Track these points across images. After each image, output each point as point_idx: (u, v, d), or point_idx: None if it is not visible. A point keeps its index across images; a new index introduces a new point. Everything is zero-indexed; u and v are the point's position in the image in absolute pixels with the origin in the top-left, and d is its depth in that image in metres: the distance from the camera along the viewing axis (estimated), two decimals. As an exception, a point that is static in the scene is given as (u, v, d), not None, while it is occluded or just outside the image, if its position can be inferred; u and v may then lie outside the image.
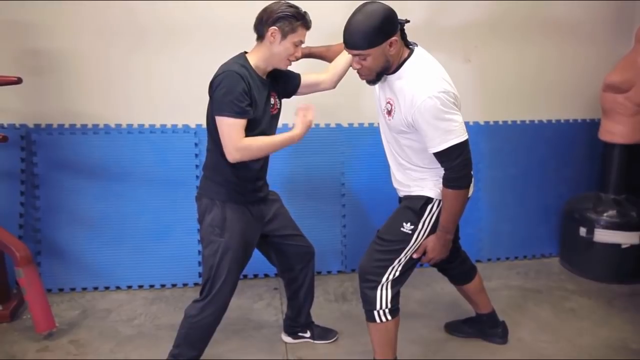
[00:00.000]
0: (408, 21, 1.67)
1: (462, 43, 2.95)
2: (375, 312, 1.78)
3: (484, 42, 2.98)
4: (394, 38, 1.60)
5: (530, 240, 3.18)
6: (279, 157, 2.64)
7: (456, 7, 2.86)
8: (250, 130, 1.70)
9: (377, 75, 1.69)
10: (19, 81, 2.23)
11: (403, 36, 1.67)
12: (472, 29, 2.94)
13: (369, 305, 1.80)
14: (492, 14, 2.93)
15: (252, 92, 1.68)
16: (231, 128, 1.64)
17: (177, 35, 2.65)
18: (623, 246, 2.76)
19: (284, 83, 1.92)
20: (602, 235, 2.79)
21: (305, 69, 2.03)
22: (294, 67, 1.92)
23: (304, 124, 1.71)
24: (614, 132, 2.76)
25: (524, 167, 3.10)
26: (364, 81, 1.75)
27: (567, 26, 3.03)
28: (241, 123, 1.65)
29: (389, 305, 1.78)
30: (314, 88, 2.02)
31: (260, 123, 1.76)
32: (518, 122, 3.10)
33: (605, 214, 2.80)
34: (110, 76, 2.66)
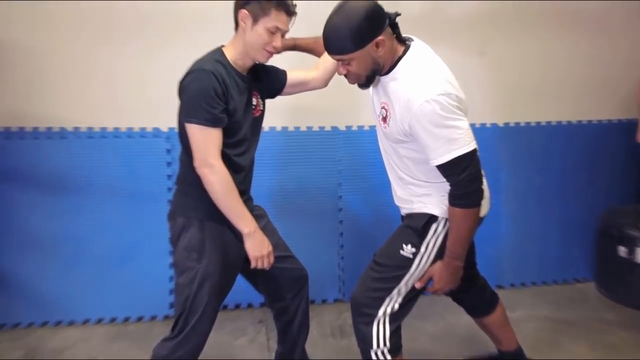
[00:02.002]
0: (398, 14, 1.64)
1: (476, 33, 2.91)
2: (372, 352, 1.73)
3: (502, 33, 2.93)
4: (380, 37, 1.58)
5: (561, 262, 3.13)
6: (266, 167, 2.66)
7: None
8: (229, 137, 1.68)
9: (367, 79, 1.68)
10: None
11: (395, 31, 1.66)
12: (487, 17, 2.89)
13: (364, 343, 1.75)
14: (513, 2, 2.90)
15: (229, 93, 1.66)
16: (202, 138, 1.60)
17: (146, 25, 2.60)
18: None
19: (268, 81, 1.91)
20: None
21: (293, 65, 2.02)
22: (280, 63, 1.91)
23: (257, 252, 1.70)
24: None
25: (551, 176, 3.06)
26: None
27: (599, 16, 3.02)
28: (214, 133, 1.61)
29: (388, 344, 1.72)
30: (303, 87, 2.01)
31: (241, 128, 1.73)
32: (543, 124, 3.05)
33: None
34: (67, 72, 2.61)
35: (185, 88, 1.63)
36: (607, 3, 2.97)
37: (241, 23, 1.68)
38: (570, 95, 3.09)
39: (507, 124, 3.03)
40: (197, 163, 1.62)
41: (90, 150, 2.59)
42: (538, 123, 3.06)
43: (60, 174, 2.56)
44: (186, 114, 1.62)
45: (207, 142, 1.60)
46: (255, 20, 1.67)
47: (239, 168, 1.77)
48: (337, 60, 1.64)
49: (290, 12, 1.70)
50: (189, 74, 1.65)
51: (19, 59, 2.54)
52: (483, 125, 3.00)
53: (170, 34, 2.60)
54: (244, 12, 1.66)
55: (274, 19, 1.66)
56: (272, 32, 1.68)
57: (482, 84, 2.99)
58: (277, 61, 1.98)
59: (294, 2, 1.71)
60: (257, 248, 1.70)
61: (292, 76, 1.96)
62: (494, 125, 3.00)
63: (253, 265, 1.71)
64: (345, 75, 1.68)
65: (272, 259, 1.73)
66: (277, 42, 1.70)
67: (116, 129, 2.65)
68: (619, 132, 3.12)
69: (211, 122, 1.59)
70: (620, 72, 3.08)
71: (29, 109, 2.60)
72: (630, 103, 3.01)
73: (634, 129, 2.81)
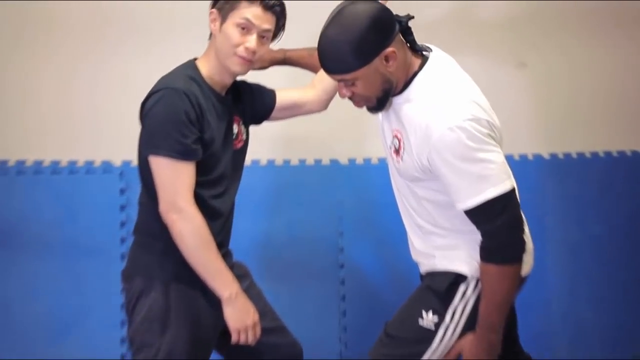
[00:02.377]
0: (411, 17, 1.58)
1: (514, 41, 2.80)
2: None
3: (546, 38, 2.80)
4: (390, 49, 1.52)
5: (628, 333, 2.87)
6: (249, 212, 2.52)
7: None
8: (205, 174, 1.60)
9: (378, 101, 1.62)
10: None
11: (408, 40, 1.60)
12: (527, 19, 2.78)
13: None
14: (561, 4, 2.73)
15: (205, 118, 1.60)
16: (170, 175, 1.54)
17: (93, 31, 2.51)
18: None
19: (252, 103, 1.84)
20: None
21: (286, 83, 2.00)
22: (268, 81, 1.86)
23: (239, 323, 1.66)
24: None
25: (612, 222, 2.85)
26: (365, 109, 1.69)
27: None
28: (185, 168, 1.54)
29: None
30: (296, 110, 1.95)
31: (219, 162, 1.67)
32: (601, 155, 2.85)
33: None
34: None
35: (149, 112, 1.55)
36: None
37: (211, 26, 1.63)
38: (638, 117, 2.90)
39: (554, 155, 2.83)
40: (163, 207, 1.55)
41: (21, 189, 2.49)
42: (594, 154, 2.86)
43: None
44: (150, 144, 1.55)
45: (176, 179, 1.53)
46: (224, 18, 1.62)
47: (217, 214, 1.68)
48: (338, 80, 1.57)
49: (267, 6, 1.61)
50: (154, 93, 1.58)
51: None
52: (524, 157, 2.83)
53: (126, 42, 2.52)
54: (212, 13, 1.62)
55: (245, 11, 1.60)
56: (242, 28, 1.60)
57: (521, 104, 2.85)
58: (265, 78, 1.90)
59: (276, 1, 1.65)
60: (240, 317, 1.62)
61: (282, 97, 1.89)
62: (538, 157, 2.81)
63: (234, 339, 1.62)
64: (350, 98, 1.61)
65: (258, 332, 1.65)
66: (251, 42, 1.61)
67: (54, 162, 2.52)
68: None
69: (182, 155, 1.52)
70: None
71: None
72: None
73: None
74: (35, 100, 2.58)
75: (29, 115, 2.57)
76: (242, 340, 1.66)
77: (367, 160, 2.69)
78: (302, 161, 2.67)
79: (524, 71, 2.82)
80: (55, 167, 2.53)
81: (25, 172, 2.51)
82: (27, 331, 2.48)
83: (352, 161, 2.70)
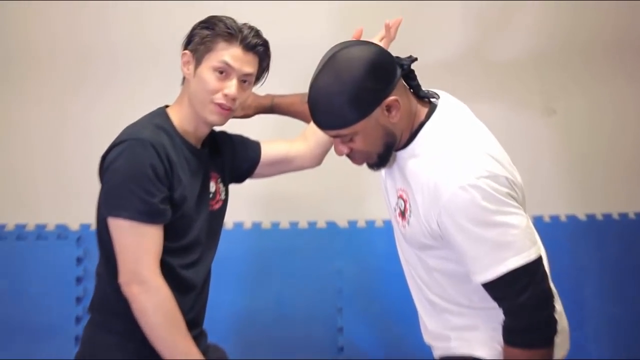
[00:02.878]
0: (415, 59, 1.50)
1: (540, 83, 2.66)
2: None
3: (578, 84, 2.67)
4: (391, 97, 1.42)
5: None
6: (231, 285, 2.44)
7: (529, 30, 2.63)
8: (174, 239, 1.50)
9: (379, 157, 1.53)
10: None
11: (412, 85, 1.51)
12: (557, 63, 2.65)
13: None
14: (592, 37, 2.65)
15: (175, 174, 1.50)
16: (132, 240, 1.45)
17: (49, 69, 2.42)
18: None
19: (233, 157, 1.74)
20: None
21: (274, 134, 1.98)
22: (252, 131, 1.80)
23: None
24: None
25: None
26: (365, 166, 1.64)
27: None
28: (151, 232, 1.45)
29: None
30: (285, 165, 1.84)
31: (192, 226, 1.56)
32: None
33: None
34: None
35: (110, 166, 1.47)
36: None
37: (184, 70, 1.56)
38: None
39: (591, 216, 2.65)
40: (123, 278, 1.46)
41: None
42: (638, 214, 2.66)
43: None
44: (109, 204, 1.47)
45: (139, 245, 1.45)
46: (199, 61, 1.53)
47: (188, 286, 1.59)
48: (334, 137, 1.49)
49: (248, 47, 1.51)
50: (116, 145, 1.50)
51: None
52: (556, 218, 2.66)
53: (84, 82, 2.42)
54: (185, 55, 1.55)
55: (221, 52, 1.51)
56: (220, 72, 1.50)
57: (551, 157, 2.69)
58: (248, 128, 1.81)
59: (258, 40, 1.55)
60: None
61: (269, 150, 1.79)
62: (572, 218, 2.64)
63: None
64: (348, 155, 1.52)
65: None
66: (231, 88, 1.51)
67: (0, 226, 2.37)
68: None
69: (147, 217, 1.44)
70: None
71: None
72: None
73: None
74: None
75: None
76: None
77: (370, 223, 2.54)
78: (294, 224, 2.51)
79: (553, 118, 2.68)
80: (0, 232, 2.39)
81: None
82: None
83: (352, 224, 2.54)
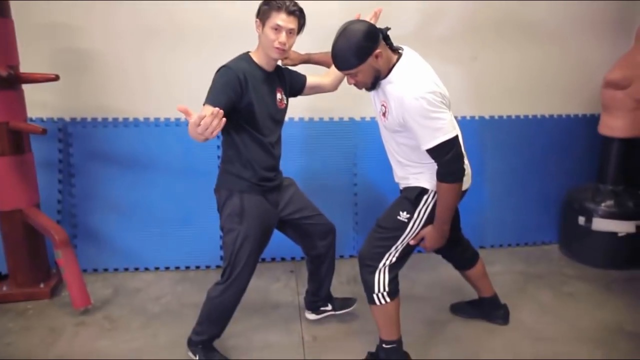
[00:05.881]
0: (389, 28, 1.79)
1: (470, 43, 3.25)
2: (375, 295, 1.94)
3: (492, 42, 3.26)
4: (377, 50, 1.70)
5: (532, 228, 3.45)
6: (294, 148, 3.00)
7: (465, 11, 3.18)
8: (253, 120, 1.86)
9: (372, 85, 1.82)
10: (56, 78, 2.58)
11: (388, 43, 1.78)
12: (478, 30, 3.23)
13: (368, 289, 1.95)
14: (497, 15, 3.22)
15: (248, 84, 1.83)
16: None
17: (197, 36, 2.96)
18: (619, 234, 3.07)
19: (291, 82, 2.09)
20: (600, 224, 3.09)
21: (307, 72, 2.21)
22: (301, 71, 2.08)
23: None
24: (613, 126, 3.08)
25: (527, 159, 3.36)
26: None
27: (569, 26, 3.32)
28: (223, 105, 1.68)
29: (387, 288, 1.92)
30: (318, 90, 2.19)
31: (262, 112, 1.89)
32: (521, 117, 3.37)
33: (603, 204, 3.10)
34: (140, 74, 2.98)
35: (214, 77, 1.81)
36: (578, 13, 3.30)
37: (257, 30, 1.89)
38: (545, 93, 3.39)
39: (492, 117, 3.35)
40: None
41: (156, 136, 2.97)
42: (517, 116, 3.38)
43: (134, 154, 2.96)
44: (205, 100, 1.77)
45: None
46: (263, 24, 1.86)
47: (266, 146, 1.94)
48: (346, 74, 1.79)
49: (289, 11, 1.84)
50: (219, 69, 1.84)
51: (98, 64, 2.96)
52: (472, 117, 3.32)
53: (217, 44, 2.90)
54: (256, 22, 1.89)
55: (275, 17, 1.83)
56: (275, 29, 1.83)
57: (474, 84, 3.32)
58: (299, 69, 2.11)
59: (295, 8, 1.86)
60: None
61: (310, 80, 2.14)
62: (482, 118, 3.32)
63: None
64: (354, 84, 1.84)
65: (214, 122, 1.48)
66: (282, 38, 1.85)
67: (177, 119, 3.01)
68: (583, 124, 3.44)
69: (214, 103, 1.72)
70: (587, 74, 3.38)
71: (112, 103, 2.99)
72: (593, 101, 3.31)
73: (596, 122, 3.21)
74: (168, 82, 2.98)
75: (165, 91, 3.00)
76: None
77: (372, 118, 3.13)
78: (331, 118, 3.15)
79: (475, 63, 3.30)
80: (177, 122, 2.97)
81: (160, 125, 2.98)
82: (163, 220, 2.99)
83: (363, 118, 3.21)
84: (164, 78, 3.01)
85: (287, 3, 1.81)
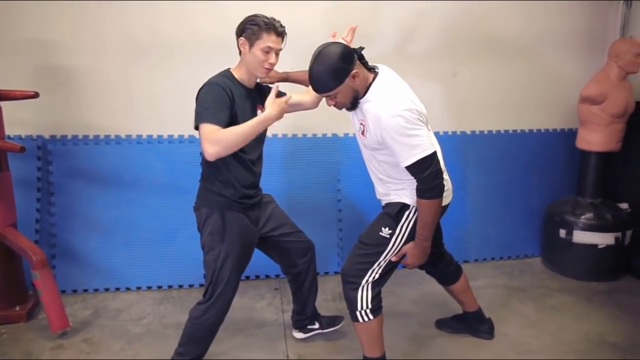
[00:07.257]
0: (363, 48, 1.79)
1: (450, 59, 3.28)
2: (358, 313, 1.92)
3: (472, 58, 3.29)
4: (354, 71, 1.71)
5: (515, 241, 3.47)
6: (277, 165, 2.98)
7: (445, 28, 3.23)
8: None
9: (351, 104, 1.81)
10: (36, 95, 2.53)
11: (362, 62, 1.78)
12: (458, 47, 3.26)
13: (351, 306, 1.93)
14: (476, 32, 3.27)
15: (234, 100, 1.82)
16: (205, 130, 1.71)
17: (182, 54, 2.94)
18: (600, 246, 3.07)
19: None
20: (581, 237, 3.10)
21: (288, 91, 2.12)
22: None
23: (275, 104, 1.72)
24: (590, 140, 3.10)
25: (509, 174, 3.39)
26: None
27: (546, 43, 3.39)
28: (215, 127, 1.70)
29: (370, 305, 1.89)
30: (298, 107, 2.15)
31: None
32: (502, 132, 3.41)
33: (583, 217, 3.11)
34: (120, 91, 2.92)
35: (199, 95, 1.80)
36: (554, 32, 3.35)
37: (241, 49, 1.86)
38: (523, 108, 3.43)
39: (473, 132, 3.37)
40: (204, 149, 1.70)
41: (139, 153, 2.91)
42: (499, 131, 3.41)
43: (115, 172, 2.89)
44: (196, 119, 1.77)
45: (209, 130, 1.71)
46: (251, 44, 1.82)
47: (247, 164, 1.92)
48: (325, 97, 1.78)
49: (278, 33, 1.83)
50: (201, 88, 1.82)
51: (79, 81, 2.89)
52: (454, 132, 3.32)
53: (200, 61, 2.83)
54: (241, 40, 1.84)
55: (266, 40, 1.81)
56: (266, 52, 1.82)
57: (456, 100, 3.33)
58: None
59: (283, 28, 1.85)
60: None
61: (291, 98, 2.01)
62: (463, 133, 3.33)
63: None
64: (334, 106, 1.84)
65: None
66: (273, 59, 1.85)
67: (159, 136, 2.95)
68: (562, 139, 3.48)
69: (214, 121, 1.72)
70: (565, 90, 3.42)
71: (92, 120, 2.94)
72: (571, 116, 3.35)
73: (574, 137, 3.24)
74: (151, 99, 2.94)
75: (147, 107, 2.94)
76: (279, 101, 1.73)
77: (347, 135, 3.17)
78: (315, 134, 3.12)
79: (457, 78, 3.32)
80: (160, 139, 2.92)
81: (142, 143, 2.92)
82: (145, 239, 2.92)
83: (346, 134, 3.19)
84: (147, 95, 2.97)
85: (275, 24, 1.81)
